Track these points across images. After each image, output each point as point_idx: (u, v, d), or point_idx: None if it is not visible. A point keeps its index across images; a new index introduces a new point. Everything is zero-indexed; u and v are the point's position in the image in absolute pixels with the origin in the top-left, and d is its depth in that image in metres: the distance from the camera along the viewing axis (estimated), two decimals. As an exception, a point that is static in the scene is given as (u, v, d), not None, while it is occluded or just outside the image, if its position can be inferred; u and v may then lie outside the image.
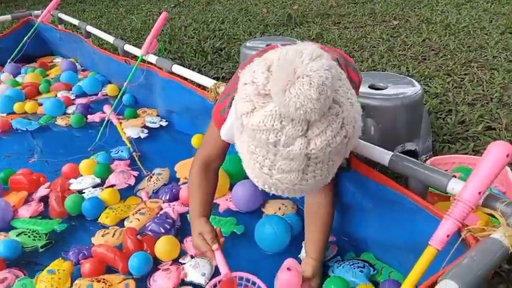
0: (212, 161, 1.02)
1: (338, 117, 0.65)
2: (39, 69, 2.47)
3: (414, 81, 1.53)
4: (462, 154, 1.47)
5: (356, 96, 0.71)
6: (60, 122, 1.88)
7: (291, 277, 0.86)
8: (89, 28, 2.25)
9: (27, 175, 1.41)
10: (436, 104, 1.86)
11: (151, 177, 1.42)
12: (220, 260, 0.89)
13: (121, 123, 1.81)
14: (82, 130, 1.83)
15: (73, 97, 2.12)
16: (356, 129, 0.70)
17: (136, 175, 1.45)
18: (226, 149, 1.01)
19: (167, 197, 1.31)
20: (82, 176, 1.45)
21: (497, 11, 3.22)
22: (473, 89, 1.99)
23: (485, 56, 2.39)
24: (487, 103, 1.85)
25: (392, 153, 0.95)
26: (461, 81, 2.10)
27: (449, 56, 2.43)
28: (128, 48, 1.90)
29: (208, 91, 1.40)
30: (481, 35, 2.74)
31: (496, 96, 1.89)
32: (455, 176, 0.83)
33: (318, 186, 0.76)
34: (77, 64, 2.54)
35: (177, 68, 1.58)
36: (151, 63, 1.72)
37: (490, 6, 3.37)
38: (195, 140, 1.59)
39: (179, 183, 1.38)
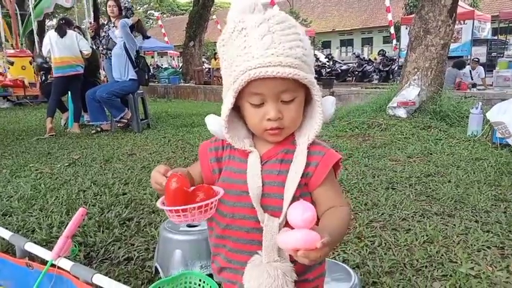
0: None
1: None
2: None
3: (346, 267, 1.58)
4: None
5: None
6: None
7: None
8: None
9: None
10: (362, 278, 1.93)
11: None
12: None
13: None
14: None
15: None
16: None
17: None
18: None
19: None
20: None
21: (375, 166, 3.77)
22: (385, 254, 2.14)
23: (382, 214, 2.67)
24: (402, 270, 1.99)
25: None
26: (372, 244, 2.26)
27: (352, 216, 2.65)
28: (31, 247, 1.62)
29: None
30: (370, 191, 3.10)
31: (407, 262, 2.06)
32: None
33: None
34: None
35: (100, 278, 1.37)
36: (64, 270, 1.47)
37: (368, 161, 3.94)
38: None
39: None
